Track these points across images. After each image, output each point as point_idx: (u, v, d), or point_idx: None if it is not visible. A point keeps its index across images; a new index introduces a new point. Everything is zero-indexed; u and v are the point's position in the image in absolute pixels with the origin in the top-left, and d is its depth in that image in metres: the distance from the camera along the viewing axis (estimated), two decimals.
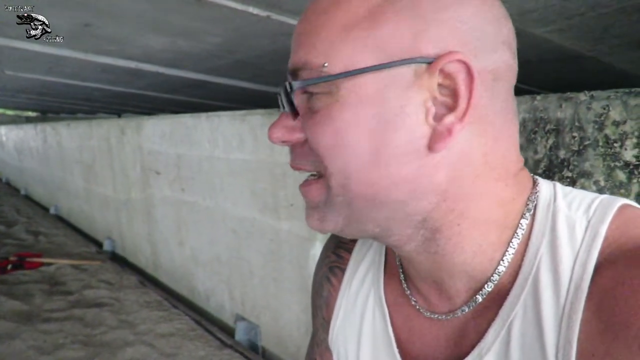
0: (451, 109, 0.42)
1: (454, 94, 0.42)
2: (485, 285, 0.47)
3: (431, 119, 0.42)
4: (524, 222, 0.46)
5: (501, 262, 0.46)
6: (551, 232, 0.45)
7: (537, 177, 0.50)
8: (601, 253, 0.41)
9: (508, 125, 0.45)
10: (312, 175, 0.49)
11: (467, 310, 0.49)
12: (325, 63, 0.43)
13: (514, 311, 0.44)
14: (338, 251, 0.67)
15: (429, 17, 0.41)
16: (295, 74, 0.46)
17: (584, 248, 0.42)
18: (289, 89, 0.46)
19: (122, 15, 1.41)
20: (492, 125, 0.44)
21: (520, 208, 0.47)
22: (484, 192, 0.45)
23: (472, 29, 0.42)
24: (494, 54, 0.43)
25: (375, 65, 0.41)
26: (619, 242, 0.41)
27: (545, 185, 0.49)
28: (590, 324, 0.39)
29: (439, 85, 0.42)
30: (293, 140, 0.47)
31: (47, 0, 1.26)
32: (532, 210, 0.46)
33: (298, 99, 0.46)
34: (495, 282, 0.46)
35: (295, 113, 0.46)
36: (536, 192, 0.47)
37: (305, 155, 0.47)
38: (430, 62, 0.41)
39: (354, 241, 0.66)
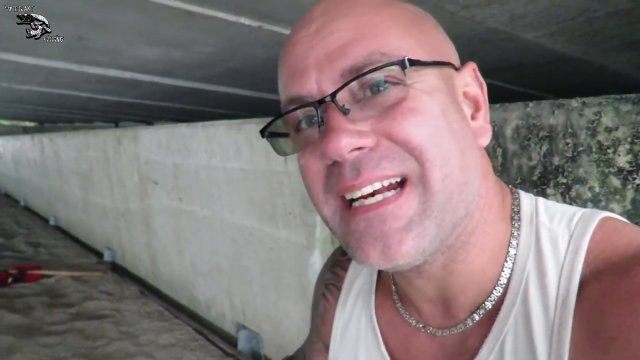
0: (476, 110, 0.47)
1: (475, 98, 0.47)
2: (486, 300, 0.47)
3: (468, 116, 0.47)
4: (515, 242, 0.47)
5: (499, 278, 0.46)
6: (536, 246, 0.45)
7: (516, 189, 0.52)
8: (587, 266, 0.41)
9: None
10: (381, 189, 0.42)
11: (464, 327, 0.49)
12: (405, 54, 0.41)
13: (506, 327, 0.45)
14: (334, 269, 0.68)
15: (444, 37, 0.48)
16: (357, 69, 0.41)
17: (568, 261, 0.42)
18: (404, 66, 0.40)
19: (114, 27, 1.41)
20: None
21: (508, 210, 0.49)
22: (491, 187, 0.48)
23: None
24: None
25: (437, 61, 0.44)
26: (603, 254, 0.41)
27: (526, 200, 0.49)
28: (579, 337, 0.39)
29: (464, 93, 0.47)
30: (366, 144, 0.41)
31: (39, 13, 1.26)
32: (519, 221, 0.47)
33: (348, 100, 0.42)
34: (494, 301, 0.47)
35: (364, 109, 0.42)
36: (517, 199, 0.49)
37: (385, 158, 0.41)
38: (457, 69, 0.47)
39: (349, 259, 0.66)
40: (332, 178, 0.43)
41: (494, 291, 0.47)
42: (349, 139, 0.40)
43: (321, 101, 0.41)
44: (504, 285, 0.46)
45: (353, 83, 0.41)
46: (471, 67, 0.48)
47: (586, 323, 0.39)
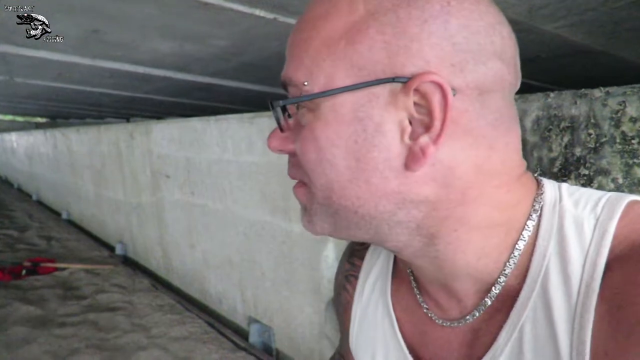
0: (428, 128, 0.41)
1: (430, 114, 0.41)
2: (493, 288, 0.47)
3: (407, 138, 0.42)
4: (530, 224, 0.46)
5: (507, 264, 0.46)
6: (559, 232, 0.44)
7: (541, 177, 0.50)
8: (611, 251, 0.41)
9: (504, 133, 0.44)
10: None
11: (477, 314, 0.49)
12: (305, 82, 0.43)
13: (525, 313, 0.44)
14: (352, 259, 0.68)
15: (413, 32, 0.40)
16: (285, 87, 0.47)
17: (594, 246, 0.42)
18: (276, 105, 0.46)
19: (129, 20, 1.41)
20: (483, 137, 0.43)
21: (526, 210, 0.46)
22: (482, 199, 0.44)
23: (458, 43, 0.40)
24: (482, 66, 0.41)
25: (350, 86, 0.41)
26: (629, 239, 0.40)
27: (549, 186, 0.48)
28: (602, 322, 0.39)
29: (416, 104, 0.41)
30: (287, 150, 0.48)
31: (54, 6, 1.26)
32: (539, 211, 0.46)
33: (292, 111, 0.47)
34: (503, 284, 0.46)
35: (281, 126, 0.48)
36: (542, 194, 0.47)
37: (297, 166, 0.48)
38: (404, 81, 0.40)
39: (366, 248, 0.66)
40: None
41: (499, 280, 0.46)
42: (275, 144, 0.49)
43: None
44: (507, 275, 0.46)
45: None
46: (423, 79, 0.40)
47: (610, 307, 0.39)
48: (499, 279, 0.46)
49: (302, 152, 0.45)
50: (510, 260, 0.45)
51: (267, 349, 2.80)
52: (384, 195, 0.44)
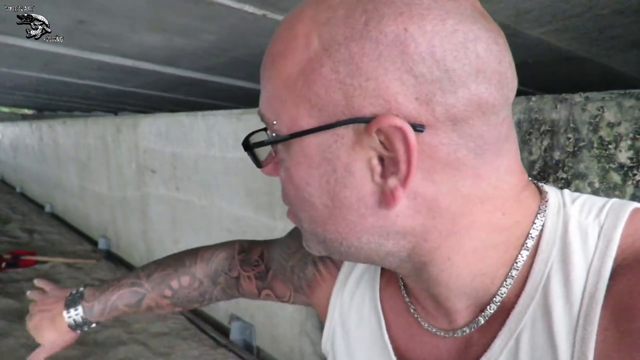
0: (397, 168, 0.39)
1: (395, 156, 0.38)
2: (488, 307, 0.45)
3: (377, 177, 0.40)
4: (530, 243, 0.43)
5: (504, 283, 0.44)
6: (562, 240, 0.42)
7: (545, 187, 0.47)
8: (615, 260, 0.39)
9: (491, 158, 0.40)
10: None
11: (468, 331, 0.47)
12: (274, 121, 0.42)
13: (523, 322, 0.43)
14: None
15: (367, 69, 0.36)
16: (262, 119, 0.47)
17: (598, 256, 0.40)
18: (252, 146, 0.46)
19: (117, 12, 1.40)
20: (466, 167, 0.39)
21: (527, 228, 0.44)
22: (475, 226, 0.42)
23: (421, 74, 0.36)
24: (451, 96, 0.36)
25: (314, 128, 0.40)
26: (632, 247, 0.39)
27: (553, 194, 0.46)
28: (606, 334, 0.38)
29: (382, 142, 0.38)
30: (277, 175, 0.48)
31: None
32: (540, 229, 0.44)
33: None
34: (499, 303, 0.44)
35: (260, 164, 0.49)
36: (545, 209, 0.44)
37: (282, 190, 0.49)
38: (366, 122, 0.38)
39: None
40: None
41: (494, 300, 0.44)
42: (267, 172, 0.49)
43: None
44: (503, 295, 0.44)
45: None
46: (382, 123, 0.37)
47: (614, 318, 0.38)
48: (494, 299, 0.44)
49: (283, 187, 0.46)
50: (508, 280, 0.43)
51: (248, 347, 2.79)
52: (365, 230, 0.42)
